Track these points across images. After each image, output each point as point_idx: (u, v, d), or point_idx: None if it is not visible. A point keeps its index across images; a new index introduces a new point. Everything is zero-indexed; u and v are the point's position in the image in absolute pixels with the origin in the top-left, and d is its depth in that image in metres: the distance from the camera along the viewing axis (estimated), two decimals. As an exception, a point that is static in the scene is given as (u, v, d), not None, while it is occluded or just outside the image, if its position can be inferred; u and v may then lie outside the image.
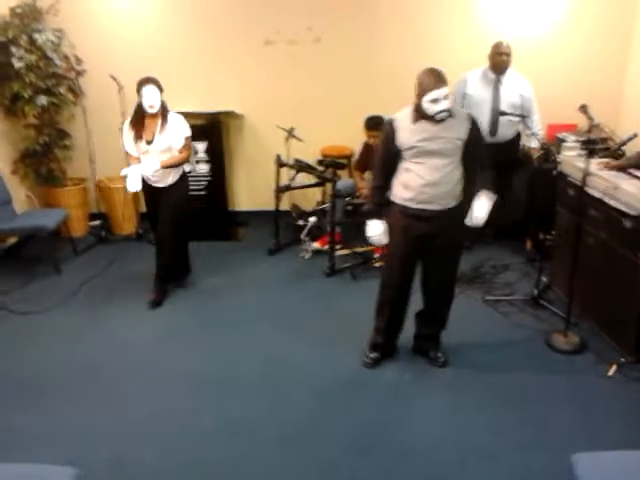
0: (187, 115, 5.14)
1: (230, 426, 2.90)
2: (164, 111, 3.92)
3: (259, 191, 5.59)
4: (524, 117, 4.11)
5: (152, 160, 3.89)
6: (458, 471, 2.59)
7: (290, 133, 5.01)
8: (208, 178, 5.24)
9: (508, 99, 4.61)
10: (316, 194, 5.43)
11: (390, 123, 3.03)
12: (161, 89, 3.87)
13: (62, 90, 5.15)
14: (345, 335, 3.63)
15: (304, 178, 5.18)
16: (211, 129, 5.16)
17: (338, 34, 5.33)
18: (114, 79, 5.11)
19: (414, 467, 2.62)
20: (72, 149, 5.42)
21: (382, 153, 3.12)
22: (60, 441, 2.79)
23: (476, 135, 3.06)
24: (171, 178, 4.05)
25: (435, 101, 2.85)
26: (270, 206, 5.13)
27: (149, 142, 3.89)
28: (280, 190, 5.01)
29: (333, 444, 2.76)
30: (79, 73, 5.30)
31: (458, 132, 2.98)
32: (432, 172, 2.96)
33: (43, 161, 5.27)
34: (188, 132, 4.04)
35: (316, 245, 4.95)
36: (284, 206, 5.26)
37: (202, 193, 5.25)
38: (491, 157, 4.64)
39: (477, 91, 4.67)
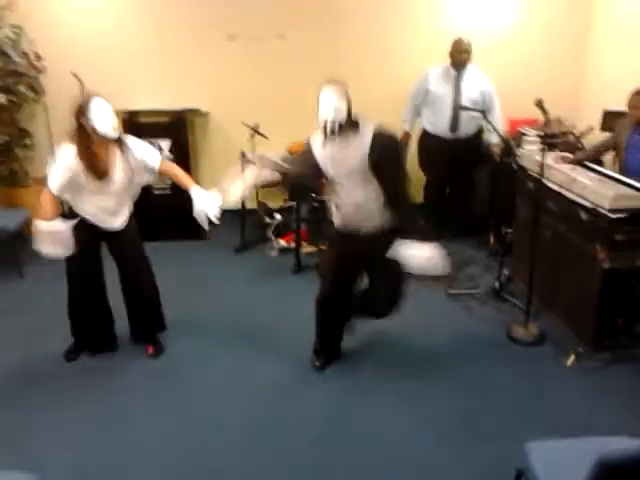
0: (151, 112, 5.15)
1: (196, 426, 2.90)
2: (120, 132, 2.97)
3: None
4: (484, 112, 4.16)
5: (202, 194, 3.05)
6: (418, 459, 2.64)
7: (255, 130, 4.98)
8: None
9: (469, 95, 4.66)
10: (284, 193, 5.41)
11: (309, 146, 2.92)
12: None
13: (22, 88, 5.05)
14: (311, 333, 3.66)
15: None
16: (176, 127, 5.13)
17: (303, 31, 5.32)
18: (75, 76, 5.02)
19: (375, 454, 2.67)
20: (33, 148, 5.32)
21: (302, 168, 2.98)
22: (21, 445, 2.75)
23: (383, 147, 2.71)
24: (122, 217, 3.18)
25: (323, 112, 2.67)
26: (236, 205, 5.10)
27: (102, 178, 2.95)
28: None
29: (295, 436, 2.80)
30: (39, 70, 5.20)
31: (361, 150, 2.72)
32: (349, 197, 2.85)
33: (4, 161, 5.16)
34: (157, 158, 3.12)
35: (282, 242, 4.95)
36: (252, 205, 5.26)
37: (167, 192, 5.21)
38: (452, 153, 4.78)
39: (438, 87, 4.72)
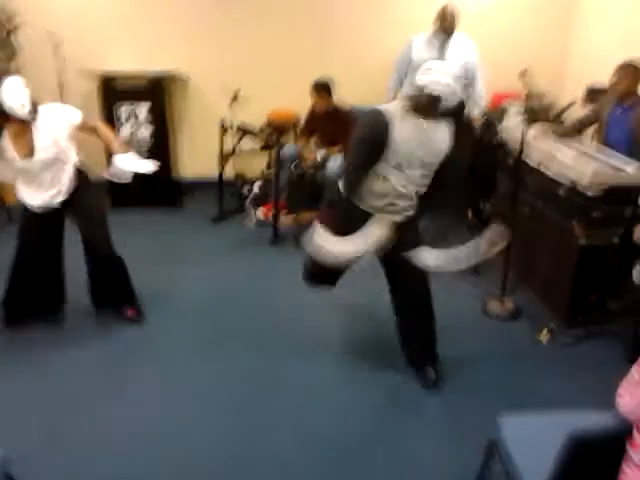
0: (129, 75, 4.99)
1: (170, 390, 2.91)
2: (35, 108, 2.87)
3: (203, 158, 5.44)
4: (467, 84, 4.11)
5: (124, 158, 3.07)
6: (392, 429, 2.68)
7: (235, 98, 4.86)
8: (150, 142, 5.07)
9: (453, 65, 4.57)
10: (262, 162, 5.34)
11: (382, 120, 2.51)
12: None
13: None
14: (286, 301, 3.64)
15: (251, 144, 5.08)
16: (153, 92, 4.99)
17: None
18: (52, 34, 4.84)
19: (353, 421, 2.72)
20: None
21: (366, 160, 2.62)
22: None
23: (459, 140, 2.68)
24: (66, 177, 3.11)
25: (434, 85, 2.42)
26: (214, 174, 5.03)
27: (27, 155, 2.92)
28: (224, 155, 4.92)
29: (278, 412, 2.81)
30: (13, 29, 4.99)
31: (445, 137, 2.62)
32: (400, 182, 2.62)
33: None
34: (76, 116, 3.06)
35: (260, 215, 4.87)
36: (230, 175, 5.18)
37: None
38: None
39: (422, 56, 4.57)
